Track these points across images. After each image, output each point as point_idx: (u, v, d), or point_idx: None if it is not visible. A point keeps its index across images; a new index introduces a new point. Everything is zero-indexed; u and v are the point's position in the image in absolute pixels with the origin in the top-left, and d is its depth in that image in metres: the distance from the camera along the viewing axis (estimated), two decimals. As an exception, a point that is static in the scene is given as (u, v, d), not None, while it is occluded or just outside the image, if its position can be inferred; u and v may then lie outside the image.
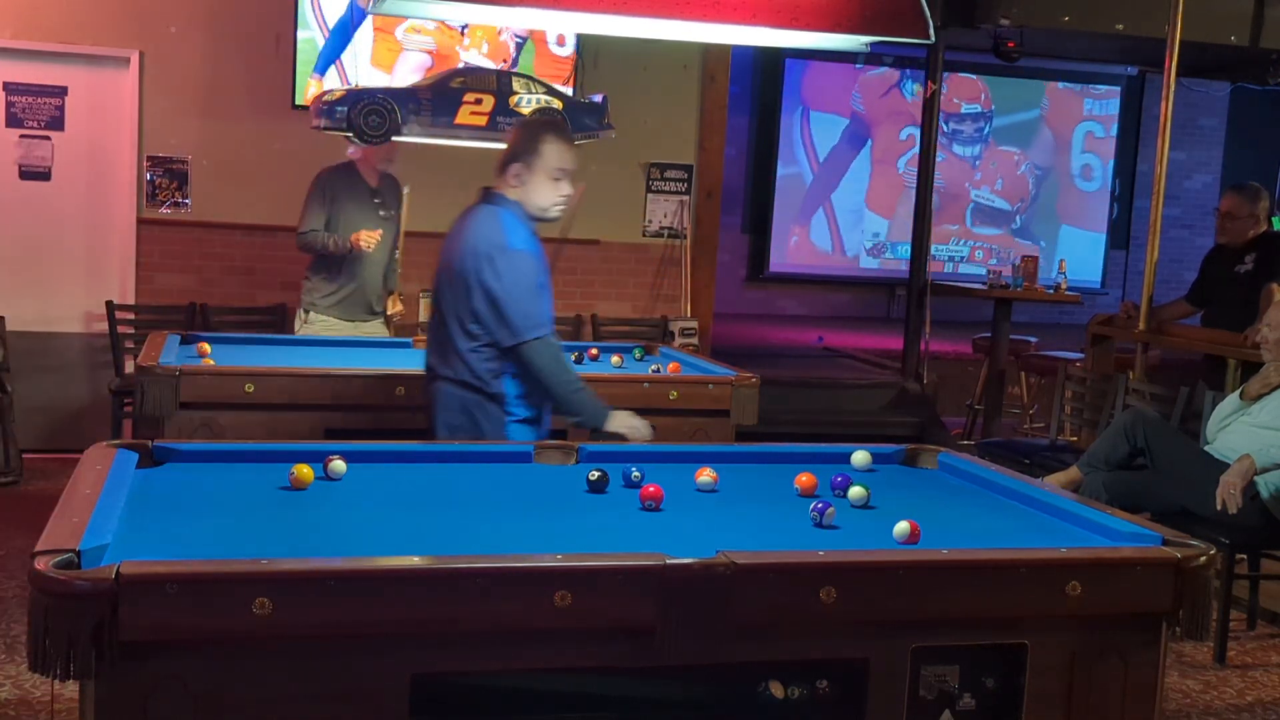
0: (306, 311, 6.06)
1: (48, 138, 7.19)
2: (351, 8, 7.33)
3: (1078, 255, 12.82)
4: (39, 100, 7.15)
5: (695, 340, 7.77)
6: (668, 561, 2.33)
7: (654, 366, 5.18)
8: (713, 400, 4.69)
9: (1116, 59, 11.56)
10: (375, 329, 6.16)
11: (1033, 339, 9.15)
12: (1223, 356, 6.03)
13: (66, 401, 7.28)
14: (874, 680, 2.46)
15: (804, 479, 3.15)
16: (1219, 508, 4.67)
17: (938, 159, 8.63)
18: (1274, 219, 13.02)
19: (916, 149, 10.13)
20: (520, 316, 3.73)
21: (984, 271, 10.76)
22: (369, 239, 5.82)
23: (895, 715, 2.48)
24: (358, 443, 3.42)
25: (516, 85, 5.80)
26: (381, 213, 6.08)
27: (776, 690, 2.45)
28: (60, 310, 7.34)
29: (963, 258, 13.20)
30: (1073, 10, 8.08)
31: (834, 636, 2.45)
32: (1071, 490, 4.40)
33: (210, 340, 5.18)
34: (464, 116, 5.69)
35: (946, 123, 12.42)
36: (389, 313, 6.22)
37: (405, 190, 6.09)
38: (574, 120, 5.85)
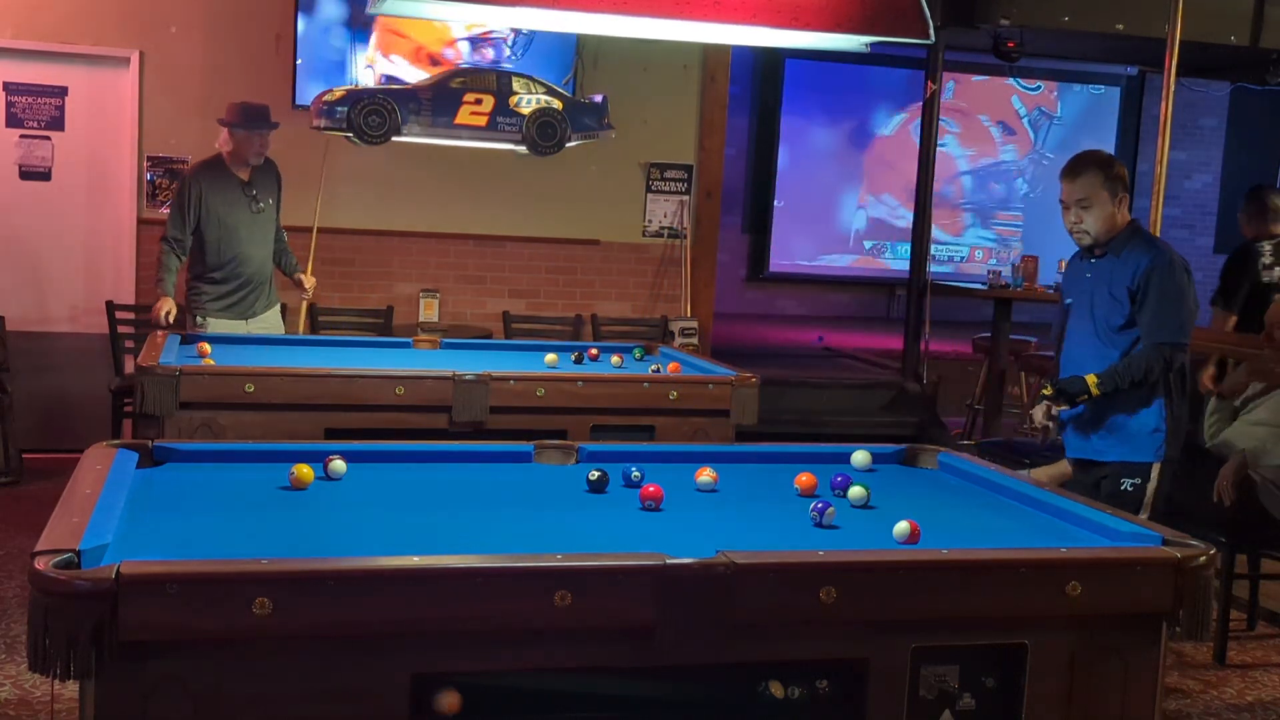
0: (197, 316, 5.98)
1: (48, 138, 7.19)
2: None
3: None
4: (39, 100, 7.15)
5: (695, 340, 7.76)
6: (668, 561, 2.33)
7: (654, 366, 5.18)
8: (713, 400, 4.68)
9: (1116, 59, 11.55)
10: (272, 320, 6.12)
11: (1033, 339, 9.14)
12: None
13: (66, 401, 7.28)
14: (874, 680, 2.46)
15: (804, 479, 3.15)
16: (1215, 500, 4.71)
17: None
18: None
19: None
20: None
21: (983, 271, 10.77)
22: (168, 315, 5.75)
23: (895, 715, 2.48)
24: (358, 443, 3.42)
25: (516, 85, 5.78)
26: (260, 204, 6.03)
27: (776, 690, 2.45)
28: (60, 310, 7.34)
29: (962, 258, 13.19)
30: (1073, 10, 8.07)
31: (834, 636, 2.45)
32: (1060, 485, 4.39)
33: (210, 340, 5.18)
34: (464, 116, 5.67)
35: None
36: (305, 289, 6.19)
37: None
38: (574, 120, 5.84)
